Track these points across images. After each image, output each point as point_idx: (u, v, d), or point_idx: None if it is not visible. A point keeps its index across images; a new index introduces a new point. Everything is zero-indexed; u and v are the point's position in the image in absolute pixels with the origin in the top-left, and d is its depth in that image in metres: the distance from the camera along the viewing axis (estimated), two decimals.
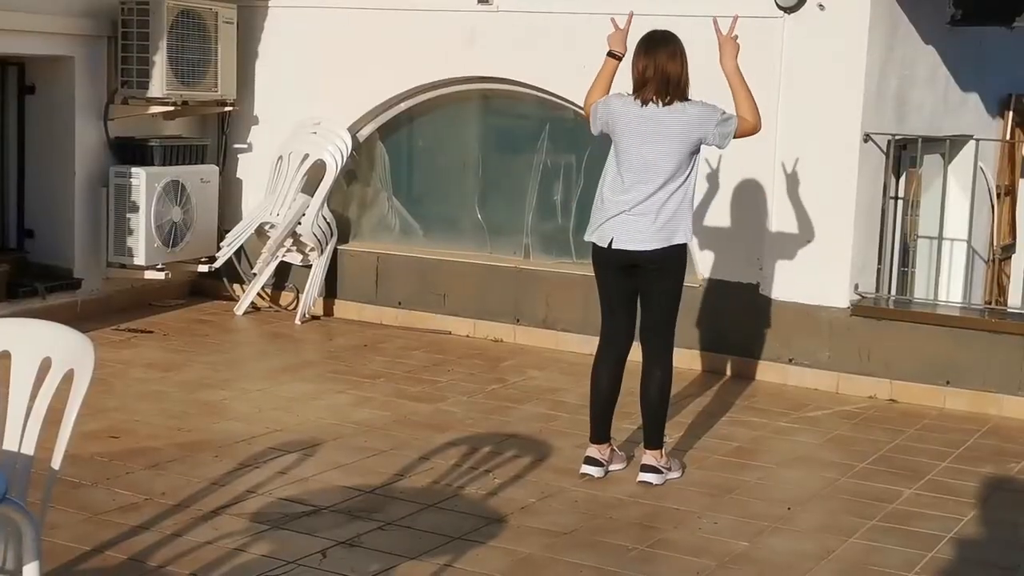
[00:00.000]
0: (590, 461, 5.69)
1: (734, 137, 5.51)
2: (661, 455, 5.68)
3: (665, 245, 5.48)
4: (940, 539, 5.09)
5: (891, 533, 5.14)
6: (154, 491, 5.17)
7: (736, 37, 5.63)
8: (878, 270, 7.64)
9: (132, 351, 7.57)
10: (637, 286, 5.63)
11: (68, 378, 3.29)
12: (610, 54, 5.71)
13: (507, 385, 7.23)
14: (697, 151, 5.52)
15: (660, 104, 5.44)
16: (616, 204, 5.51)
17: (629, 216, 5.48)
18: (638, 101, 5.49)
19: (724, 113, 5.46)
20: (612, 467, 5.74)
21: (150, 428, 6.06)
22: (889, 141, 7.50)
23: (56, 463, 3.22)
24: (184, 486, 5.25)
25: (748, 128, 5.51)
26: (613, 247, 5.52)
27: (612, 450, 5.78)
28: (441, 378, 7.31)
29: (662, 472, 5.64)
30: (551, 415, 6.63)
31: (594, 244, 5.63)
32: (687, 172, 5.49)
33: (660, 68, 5.43)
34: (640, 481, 5.60)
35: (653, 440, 5.67)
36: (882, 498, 5.56)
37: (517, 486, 5.50)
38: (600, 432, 5.73)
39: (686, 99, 5.49)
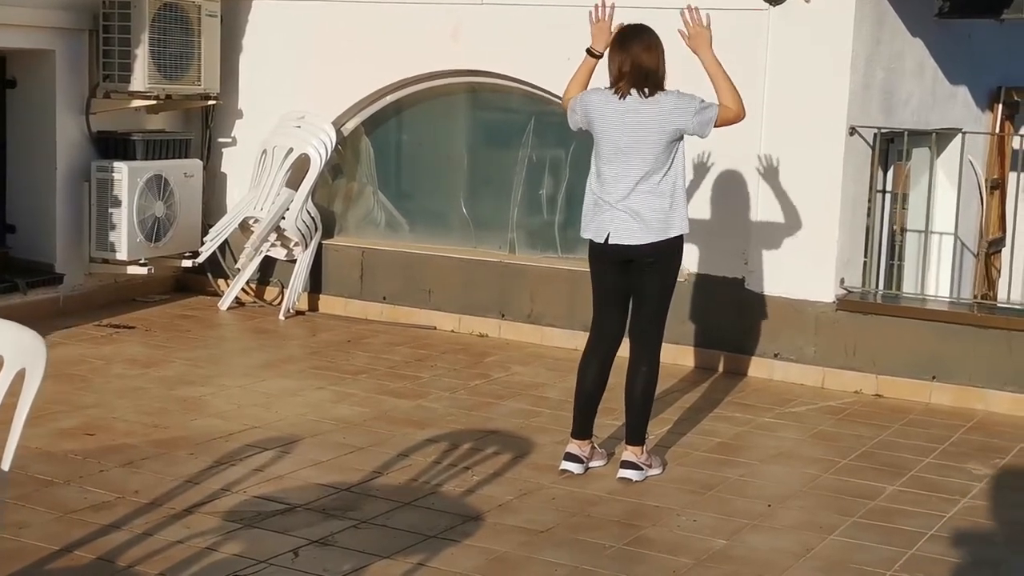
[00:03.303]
0: (570, 457, 5.64)
1: (716, 125, 5.46)
2: (642, 451, 5.62)
3: (662, 238, 5.43)
4: (922, 536, 5.04)
5: (872, 530, 5.09)
6: (127, 489, 5.11)
7: (707, 24, 5.54)
8: (864, 264, 7.59)
9: (113, 347, 7.51)
10: (631, 282, 5.57)
11: (23, 376, 3.21)
12: (588, 51, 5.66)
13: (490, 381, 7.17)
14: (679, 140, 5.46)
15: (639, 96, 5.40)
16: (606, 200, 5.46)
17: (621, 211, 5.43)
18: (617, 95, 5.44)
19: (703, 102, 5.41)
20: (592, 464, 5.69)
21: (127, 425, 6.00)
22: (875, 134, 7.45)
23: (5, 464, 3.15)
24: (158, 484, 5.19)
25: (731, 116, 5.46)
26: (610, 242, 5.47)
27: (593, 447, 5.72)
28: (424, 374, 7.25)
29: (642, 468, 5.58)
30: (533, 411, 6.58)
31: (591, 240, 5.58)
32: (670, 163, 5.44)
33: (636, 61, 5.40)
34: (620, 478, 5.54)
35: (635, 436, 5.62)
36: (864, 495, 5.51)
37: (496, 483, 5.44)
38: (582, 428, 5.68)
39: (663, 90, 5.45)
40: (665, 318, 5.62)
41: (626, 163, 5.42)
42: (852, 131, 7.27)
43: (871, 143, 7.45)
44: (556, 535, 4.89)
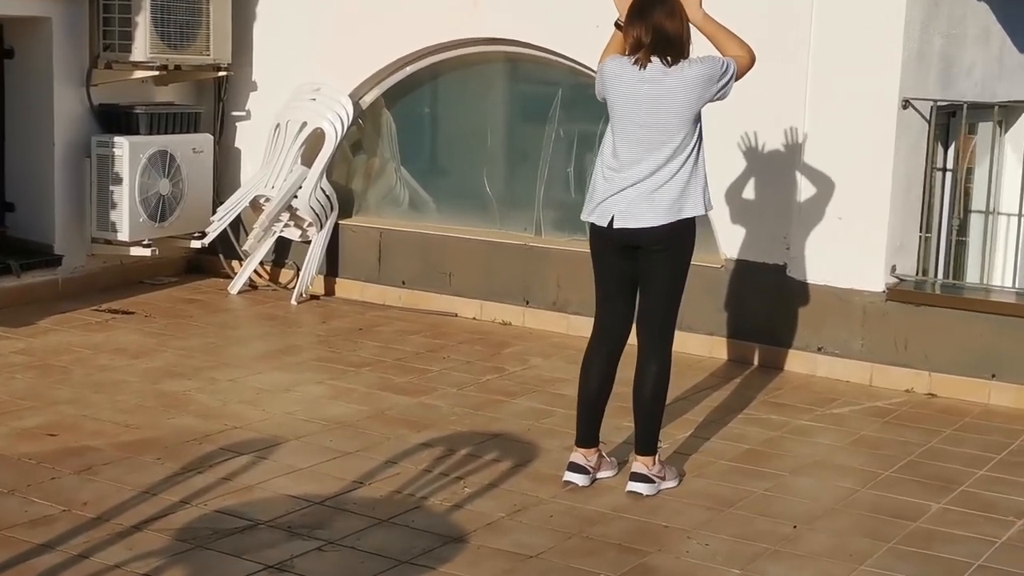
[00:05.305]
0: (574, 468, 5.06)
1: (736, 79, 4.91)
2: (654, 462, 5.03)
3: (673, 220, 4.85)
4: (967, 567, 4.41)
5: (909, 559, 4.46)
6: (76, 501, 4.61)
7: None
8: (919, 249, 6.92)
9: (105, 334, 7.04)
10: (637, 270, 4.99)
11: None
12: (617, 24, 5.07)
13: (504, 375, 6.61)
14: (700, 115, 4.90)
15: (661, 65, 4.81)
16: (617, 180, 4.89)
17: (633, 192, 4.85)
18: (636, 64, 4.85)
19: (722, 64, 4.85)
20: (600, 474, 5.11)
21: (96, 424, 5.51)
22: (932, 107, 6.76)
23: None
24: (112, 494, 4.69)
25: (745, 64, 4.94)
26: (614, 226, 4.90)
27: (600, 455, 5.15)
28: (433, 367, 6.70)
29: (654, 481, 5.00)
30: (545, 411, 6.01)
31: (592, 224, 5.01)
32: (692, 138, 4.86)
33: (658, 29, 4.82)
34: (629, 491, 4.97)
35: (645, 445, 5.03)
36: (905, 514, 4.88)
37: (488, 497, 4.88)
38: (587, 435, 5.10)
39: (686, 58, 4.87)
40: (677, 310, 5.02)
41: (645, 139, 4.85)
42: (905, 104, 6.60)
43: (927, 117, 6.76)
44: (545, 561, 4.32)
